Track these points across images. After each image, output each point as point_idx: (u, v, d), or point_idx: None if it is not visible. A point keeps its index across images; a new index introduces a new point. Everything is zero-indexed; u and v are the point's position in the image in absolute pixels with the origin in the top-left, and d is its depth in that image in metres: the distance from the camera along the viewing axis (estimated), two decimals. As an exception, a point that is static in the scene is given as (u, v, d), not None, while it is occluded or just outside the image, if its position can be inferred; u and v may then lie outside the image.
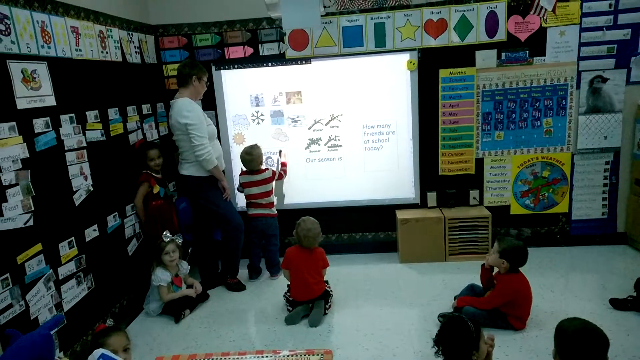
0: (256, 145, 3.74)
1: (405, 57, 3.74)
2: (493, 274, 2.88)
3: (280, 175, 3.82)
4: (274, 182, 3.76)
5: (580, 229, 3.96)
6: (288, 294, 3.18)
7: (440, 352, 1.82)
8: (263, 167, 3.74)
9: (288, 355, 1.29)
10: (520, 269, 2.79)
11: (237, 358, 1.30)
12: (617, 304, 2.89)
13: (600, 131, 3.75)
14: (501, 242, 2.78)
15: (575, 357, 1.52)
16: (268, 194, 3.72)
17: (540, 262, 3.64)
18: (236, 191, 3.91)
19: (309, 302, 3.07)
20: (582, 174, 3.86)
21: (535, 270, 3.45)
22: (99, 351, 1.29)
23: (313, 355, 1.29)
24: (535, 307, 2.82)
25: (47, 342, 1.11)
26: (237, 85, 3.90)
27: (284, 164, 3.90)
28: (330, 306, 3.15)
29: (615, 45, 3.60)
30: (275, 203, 3.82)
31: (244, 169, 3.74)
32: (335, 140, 3.95)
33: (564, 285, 3.31)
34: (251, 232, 3.71)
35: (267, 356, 1.31)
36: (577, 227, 3.97)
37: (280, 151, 3.96)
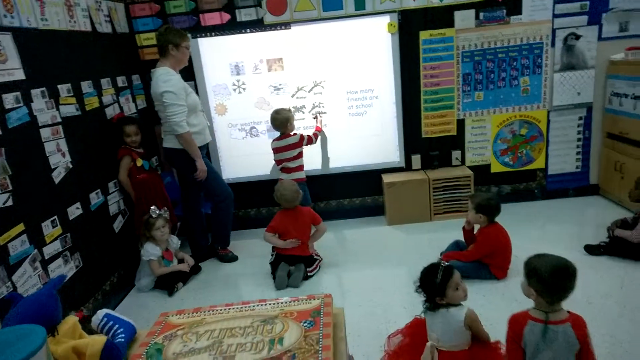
0: (288, 108, 3.69)
1: (385, 20, 3.70)
2: (475, 232, 2.99)
3: (310, 139, 3.70)
4: (302, 147, 3.68)
5: (556, 183, 4.11)
6: (272, 259, 3.25)
7: (420, 291, 2.01)
8: (292, 132, 3.65)
9: (290, 301, 1.33)
10: (501, 223, 2.92)
11: (241, 307, 1.32)
12: (591, 250, 3.05)
13: (574, 87, 3.85)
14: (473, 198, 2.94)
15: (553, 291, 1.68)
16: (296, 157, 3.65)
17: (520, 217, 3.77)
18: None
19: (291, 264, 3.16)
20: (557, 130, 3.97)
21: (514, 224, 3.53)
22: (102, 311, 1.29)
23: (314, 299, 1.33)
24: (515, 257, 2.92)
25: (52, 301, 1.10)
26: (215, 54, 3.80)
27: (318, 129, 3.82)
28: (319, 269, 3.24)
29: (588, 2, 3.65)
30: (304, 167, 3.75)
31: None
32: (319, 107, 3.92)
33: (541, 237, 3.46)
34: None
35: (269, 303, 1.34)
36: (553, 181, 4.11)
37: (317, 116, 3.89)
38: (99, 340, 1.08)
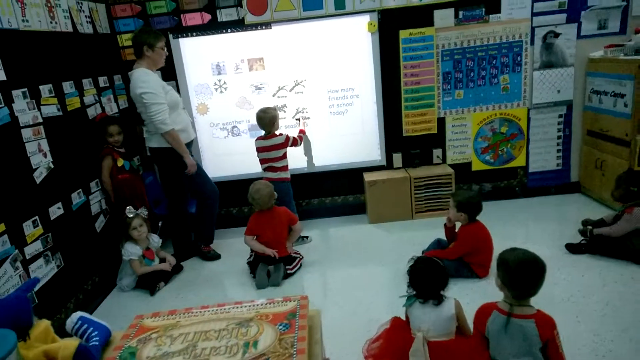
0: (274, 107, 3.67)
1: (365, 19, 3.72)
2: (456, 230, 3.02)
3: (295, 140, 3.68)
4: (287, 148, 3.65)
5: (537, 180, 4.17)
6: (251, 259, 3.26)
7: (413, 290, 2.00)
8: (277, 132, 3.62)
9: (266, 303, 1.35)
10: (482, 221, 2.94)
11: (216, 309, 1.34)
12: (573, 248, 3.08)
13: (553, 85, 3.91)
14: (455, 196, 2.94)
15: (518, 284, 1.73)
16: (282, 157, 3.63)
17: (501, 215, 3.80)
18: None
19: (269, 264, 3.17)
20: (537, 127, 4.03)
21: (496, 222, 3.58)
22: (77, 314, 1.30)
23: (290, 301, 1.35)
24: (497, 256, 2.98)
25: (24, 304, 1.10)
26: (197, 54, 3.80)
27: (302, 131, 3.83)
28: (300, 267, 3.26)
29: (567, 0, 3.69)
30: (288, 167, 3.72)
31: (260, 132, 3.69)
32: (304, 112, 3.93)
33: (523, 235, 3.50)
34: None
35: (245, 306, 1.35)
36: (534, 179, 4.17)
37: (299, 119, 3.91)
38: (71, 344, 1.08)
